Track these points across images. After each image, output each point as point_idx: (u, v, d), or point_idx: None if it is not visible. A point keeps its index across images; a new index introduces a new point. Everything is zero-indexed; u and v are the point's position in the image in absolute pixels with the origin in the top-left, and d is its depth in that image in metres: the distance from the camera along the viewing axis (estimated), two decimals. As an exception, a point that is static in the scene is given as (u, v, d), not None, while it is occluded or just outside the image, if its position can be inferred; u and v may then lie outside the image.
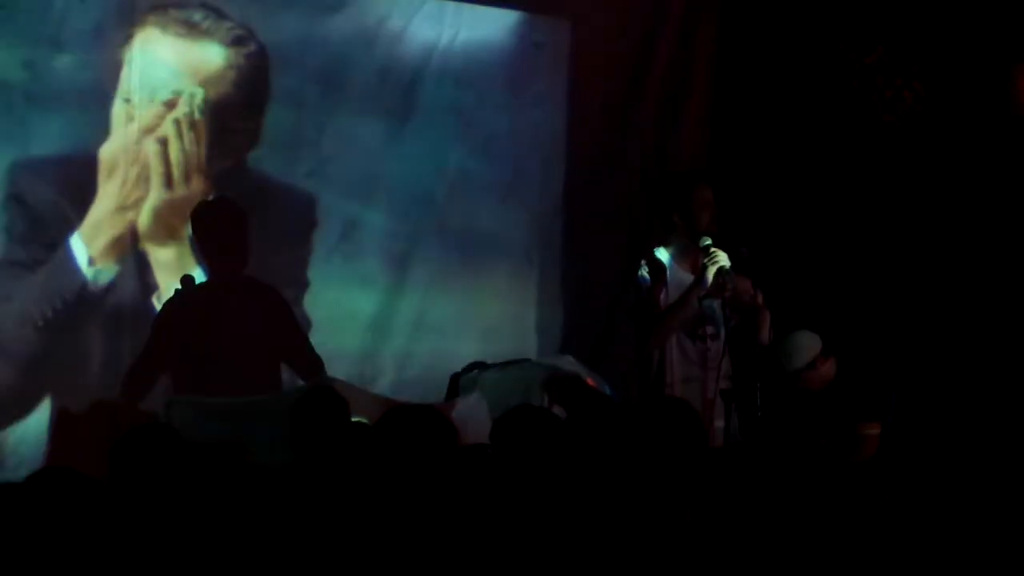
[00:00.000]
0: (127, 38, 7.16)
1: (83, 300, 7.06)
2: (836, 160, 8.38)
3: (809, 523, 4.14)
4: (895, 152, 8.32)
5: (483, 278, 7.95)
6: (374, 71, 7.70)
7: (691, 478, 3.66)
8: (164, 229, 7.22)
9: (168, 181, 7.23)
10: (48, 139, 7.07)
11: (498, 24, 8.03)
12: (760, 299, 6.51)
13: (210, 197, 7.17)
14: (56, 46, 7.03)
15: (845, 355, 6.80)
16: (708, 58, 8.52)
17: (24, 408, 6.96)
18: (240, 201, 7.09)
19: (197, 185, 7.29)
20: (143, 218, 7.19)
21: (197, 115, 7.27)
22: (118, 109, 7.15)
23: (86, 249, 7.08)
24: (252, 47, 7.41)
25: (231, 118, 7.38)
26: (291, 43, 7.49)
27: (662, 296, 6.56)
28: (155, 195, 7.22)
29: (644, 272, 6.57)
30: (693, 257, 6.56)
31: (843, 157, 8.38)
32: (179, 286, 6.75)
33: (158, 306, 7.06)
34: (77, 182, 7.10)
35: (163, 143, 7.22)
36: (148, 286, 7.22)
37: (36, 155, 7.02)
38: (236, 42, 7.39)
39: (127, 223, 7.17)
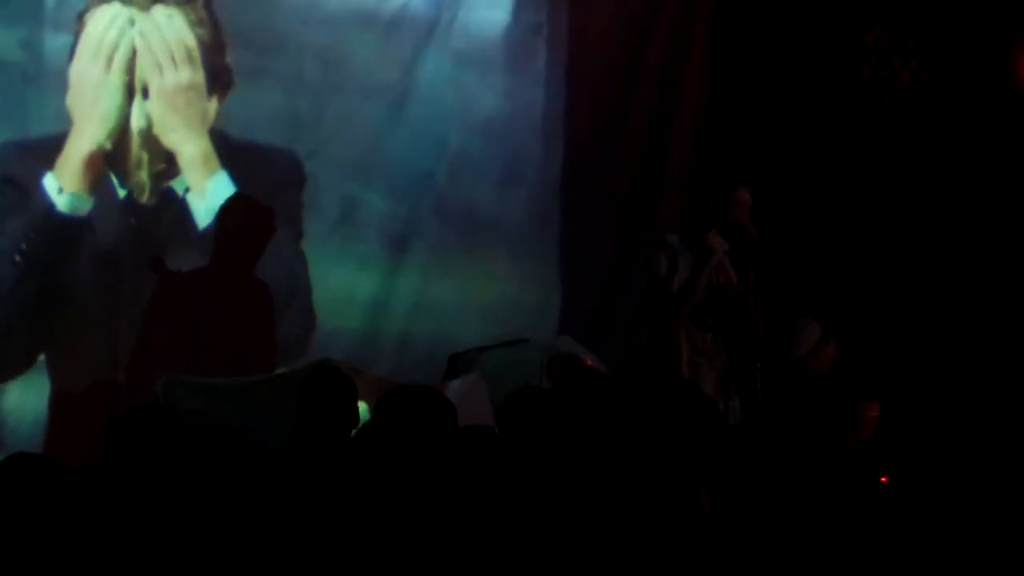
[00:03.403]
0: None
1: (59, 230, 7.02)
2: (835, 139, 8.37)
3: (811, 504, 4.14)
4: (893, 132, 8.31)
5: (482, 259, 7.94)
6: (373, 51, 7.68)
7: (705, 458, 3.65)
8: (180, 119, 7.22)
9: (160, 69, 7.19)
10: (45, 119, 7.07)
11: (496, 4, 8.01)
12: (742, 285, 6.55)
13: (237, 193, 7.20)
14: (55, 26, 7.03)
15: (846, 336, 6.80)
16: (706, 38, 8.51)
17: (22, 361, 6.97)
18: (225, 166, 7.18)
19: (195, 71, 7.27)
20: (155, 112, 7.16)
21: (172, 18, 7.24)
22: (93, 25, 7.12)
23: (56, 180, 7.05)
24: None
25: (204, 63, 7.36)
26: (290, 23, 7.48)
27: (675, 282, 6.55)
28: (155, 84, 7.17)
29: (657, 263, 6.56)
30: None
31: (842, 136, 8.37)
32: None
33: (193, 202, 7.15)
34: None
35: (144, 34, 7.16)
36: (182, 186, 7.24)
37: (26, 137, 7.02)
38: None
39: (97, 143, 7.10)
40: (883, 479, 5.70)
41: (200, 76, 7.25)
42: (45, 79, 7.05)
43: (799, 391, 6.48)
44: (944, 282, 8.09)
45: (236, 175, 7.29)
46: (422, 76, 7.77)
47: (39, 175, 7.01)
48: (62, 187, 7.04)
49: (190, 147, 7.23)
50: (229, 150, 7.37)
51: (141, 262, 7.13)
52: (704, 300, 6.54)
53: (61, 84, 7.06)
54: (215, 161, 7.26)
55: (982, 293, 8.01)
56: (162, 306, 6.86)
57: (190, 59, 7.25)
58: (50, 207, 7.01)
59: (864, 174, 8.32)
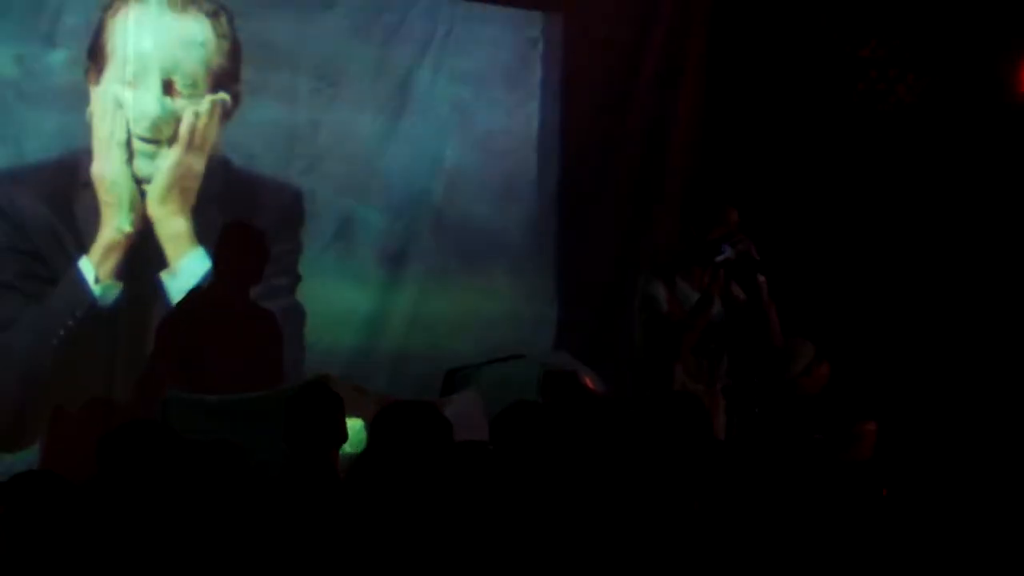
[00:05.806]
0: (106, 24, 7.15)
1: (94, 317, 7.09)
2: (830, 153, 8.37)
3: (807, 519, 4.13)
4: (889, 145, 8.31)
5: (478, 275, 7.94)
6: (369, 67, 7.69)
7: (698, 469, 3.65)
8: (179, 195, 7.22)
9: (152, 157, 7.20)
10: (41, 137, 7.07)
11: (492, 19, 8.02)
12: (764, 292, 6.52)
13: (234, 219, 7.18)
14: (50, 42, 7.02)
15: (842, 353, 6.79)
16: (701, 51, 8.52)
17: (36, 427, 6.96)
18: (226, 196, 7.16)
19: (205, 156, 7.30)
20: (157, 183, 7.18)
21: (205, 84, 7.29)
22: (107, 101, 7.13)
23: (93, 270, 7.10)
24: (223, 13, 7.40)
25: (223, 79, 7.38)
26: (286, 39, 7.48)
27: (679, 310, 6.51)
28: (174, 155, 7.20)
29: (654, 288, 6.51)
30: (700, 275, 6.53)
31: (837, 150, 8.37)
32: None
33: (167, 281, 7.11)
34: (63, 189, 7.10)
35: (196, 115, 7.24)
36: (159, 262, 7.24)
37: (18, 165, 7.01)
38: (213, 14, 7.37)
39: (127, 237, 7.16)
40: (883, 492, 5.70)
41: (202, 162, 7.26)
42: (42, 96, 7.03)
43: (795, 408, 6.47)
44: (942, 295, 8.08)
45: (236, 205, 7.29)
46: (418, 91, 7.78)
47: (31, 206, 7.01)
48: (99, 277, 7.10)
49: (173, 224, 7.24)
50: (231, 177, 7.38)
51: (142, 282, 7.15)
52: (705, 329, 6.50)
53: (60, 101, 7.05)
54: (193, 238, 7.25)
55: (980, 307, 8.00)
56: (162, 325, 6.87)
57: (209, 139, 7.28)
58: (92, 301, 7.08)
59: (859, 188, 8.31)
